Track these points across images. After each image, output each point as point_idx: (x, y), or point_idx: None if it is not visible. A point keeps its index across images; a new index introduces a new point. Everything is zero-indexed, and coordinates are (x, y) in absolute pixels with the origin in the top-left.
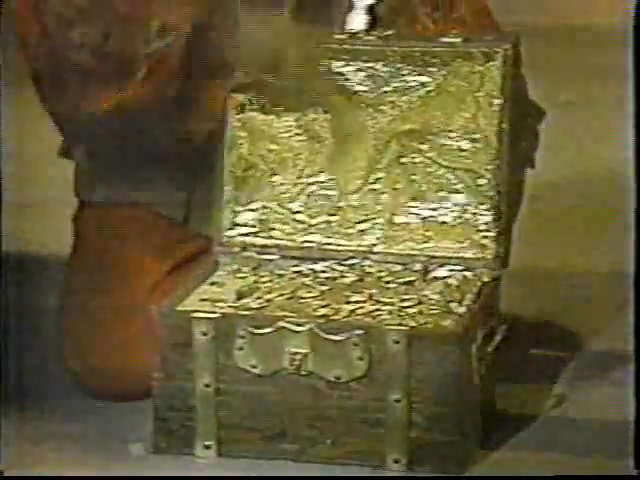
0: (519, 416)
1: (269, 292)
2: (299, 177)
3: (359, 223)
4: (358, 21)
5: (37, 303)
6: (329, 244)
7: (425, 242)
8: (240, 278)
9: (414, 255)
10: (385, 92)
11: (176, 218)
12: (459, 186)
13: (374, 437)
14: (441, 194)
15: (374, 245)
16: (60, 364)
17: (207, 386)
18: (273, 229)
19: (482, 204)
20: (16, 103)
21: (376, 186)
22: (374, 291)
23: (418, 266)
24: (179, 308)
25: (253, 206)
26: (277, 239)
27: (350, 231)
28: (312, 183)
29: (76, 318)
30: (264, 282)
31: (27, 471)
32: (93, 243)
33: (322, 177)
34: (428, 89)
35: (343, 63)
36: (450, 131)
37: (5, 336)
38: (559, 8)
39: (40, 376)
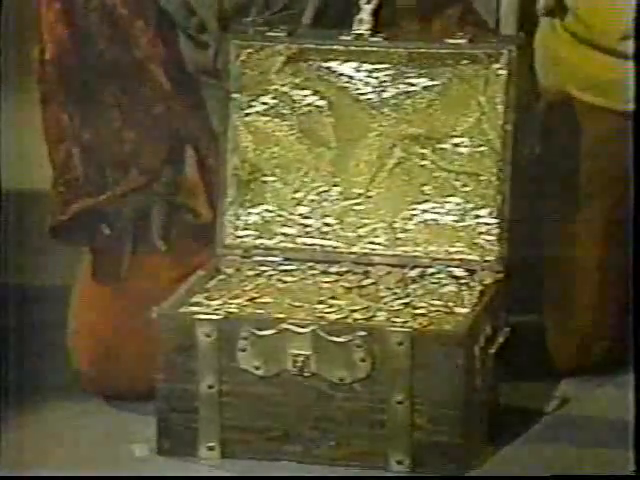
0: (523, 415)
1: (272, 294)
2: (303, 181)
3: (362, 226)
4: (364, 23)
5: (37, 304)
6: (332, 247)
7: (428, 244)
8: (242, 280)
9: (417, 257)
10: (389, 95)
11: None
12: (462, 189)
13: (377, 438)
14: (444, 197)
15: (377, 248)
16: (60, 365)
17: (210, 387)
18: (276, 232)
19: (485, 207)
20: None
21: (379, 190)
22: (377, 293)
23: (421, 268)
24: (182, 310)
25: (256, 209)
26: (280, 242)
27: (353, 234)
28: (316, 187)
29: (89, 320)
30: (266, 284)
31: (27, 471)
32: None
33: (326, 180)
34: (432, 92)
35: (348, 65)
36: (454, 136)
37: (5, 336)
38: None
39: (40, 377)
